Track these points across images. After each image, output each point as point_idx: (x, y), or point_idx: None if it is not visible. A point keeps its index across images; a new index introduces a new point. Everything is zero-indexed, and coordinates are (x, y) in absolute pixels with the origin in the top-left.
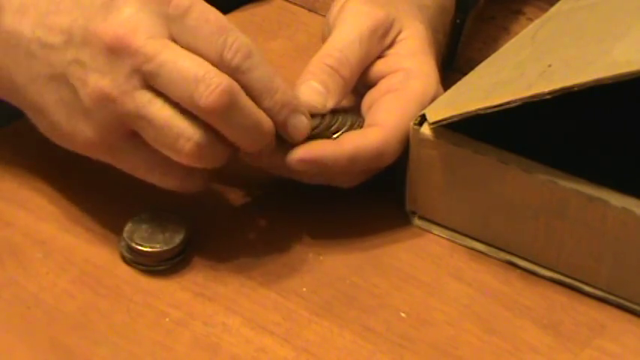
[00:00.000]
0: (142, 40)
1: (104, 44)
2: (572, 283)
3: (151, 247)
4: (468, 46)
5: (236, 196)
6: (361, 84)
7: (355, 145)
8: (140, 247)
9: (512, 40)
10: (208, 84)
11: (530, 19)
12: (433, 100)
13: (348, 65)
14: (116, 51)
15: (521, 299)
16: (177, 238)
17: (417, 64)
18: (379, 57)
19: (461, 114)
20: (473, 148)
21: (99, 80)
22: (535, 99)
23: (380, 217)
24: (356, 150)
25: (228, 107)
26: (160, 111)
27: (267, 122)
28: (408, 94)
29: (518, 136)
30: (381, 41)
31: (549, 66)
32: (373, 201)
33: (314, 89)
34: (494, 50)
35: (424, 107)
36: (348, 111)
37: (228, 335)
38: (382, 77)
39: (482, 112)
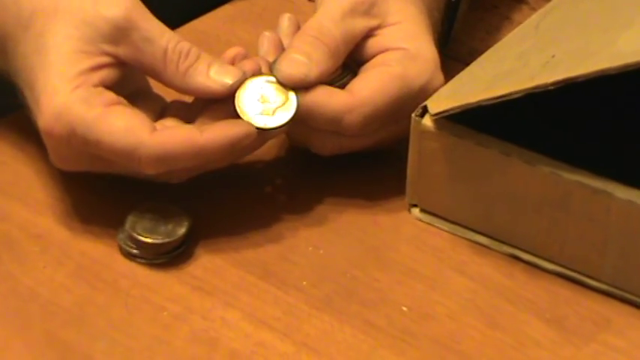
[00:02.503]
0: (76, 130)
1: (47, 135)
2: (576, 276)
3: (153, 239)
4: (470, 35)
5: (237, 190)
6: (355, 63)
7: (315, 100)
8: (143, 239)
9: (515, 30)
10: (138, 160)
11: (534, 9)
12: (428, 85)
13: (330, 35)
14: (57, 139)
15: (525, 293)
16: (180, 231)
17: (416, 46)
18: (371, 35)
19: (463, 105)
20: (475, 139)
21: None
22: (538, 90)
23: (381, 210)
24: (314, 105)
25: (166, 169)
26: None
27: (205, 141)
28: (396, 72)
29: (520, 126)
30: (365, 16)
31: (553, 56)
32: (374, 193)
33: (294, 61)
34: (496, 40)
35: (412, 91)
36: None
37: (227, 330)
38: (378, 53)
39: (484, 103)
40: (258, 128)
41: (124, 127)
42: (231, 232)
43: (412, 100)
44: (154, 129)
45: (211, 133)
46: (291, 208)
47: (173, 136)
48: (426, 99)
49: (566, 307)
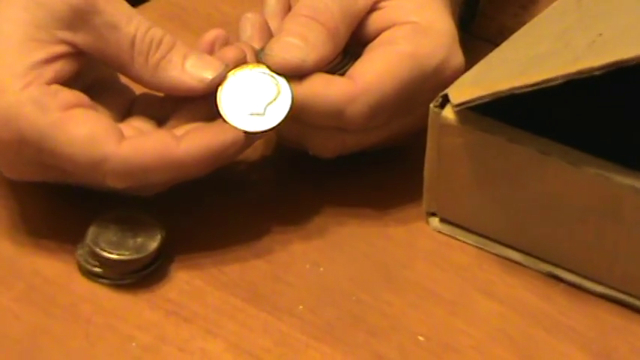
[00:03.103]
0: (27, 137)
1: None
2: (628, 300)
3: (120, 255)
4: (500, 10)
5: (219, 196)
6: (358, 43)
7: (312, 91)
8: (107, 254)
9: (555, 4)
10: (104, 174)
11: None
12: (444, 64)
13: (327, 14)
14: (4, 146)
15: (566, 320)
16: (152, 245)
17: (428, 18)
18: (374, 9)
19: (492, 94)
20: (507, 135)
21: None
22: (582, 75)
23: (392, 220)
24: (310, 96)
25: (137, 183)
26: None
27: (183, 153)
28: (405, 50)
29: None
30: None
31: (600, 35)
32: (383, 200)
33: (288, 44)
34: (532, 16)
35: (425, 72)
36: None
37: None
38: (384, 30)
39: (517, 91)
40: (246, 133)
41: (85, 135)
42: (212, 246)
43: (426, 84)
44: (122, 137)
45: (190, 143)
46: (285, 218)
47: (145, 147)
48: (442, 82)
49: (615, 338)
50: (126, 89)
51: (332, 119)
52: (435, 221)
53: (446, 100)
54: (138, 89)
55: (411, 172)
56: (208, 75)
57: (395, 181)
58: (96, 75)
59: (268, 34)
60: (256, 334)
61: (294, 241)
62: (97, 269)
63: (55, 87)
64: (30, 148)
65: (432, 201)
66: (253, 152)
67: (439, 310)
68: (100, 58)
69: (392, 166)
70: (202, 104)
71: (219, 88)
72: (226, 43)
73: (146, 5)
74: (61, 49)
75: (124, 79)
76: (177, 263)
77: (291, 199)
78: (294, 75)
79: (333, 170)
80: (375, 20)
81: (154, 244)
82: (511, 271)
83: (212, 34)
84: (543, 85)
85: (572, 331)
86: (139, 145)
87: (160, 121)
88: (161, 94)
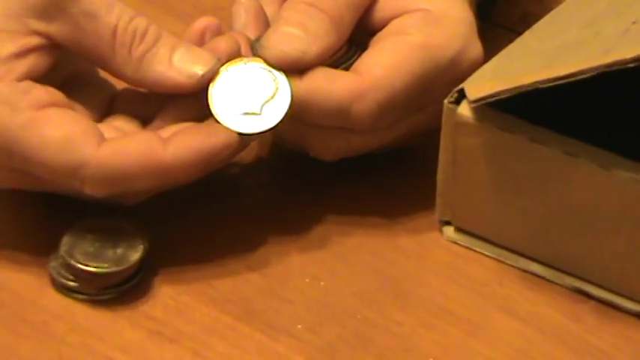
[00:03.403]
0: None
1: None
2: None
3: (98, 267)
4: None
5: (209, 202)
6: (364, 32)
7: (314, 87)
8: (83, 267)
9: None
10: (82, 181)
11: None
12: (461, 56)
13: (330, 0)
14: None
15: (595, 341)
16: (134, 256)
17: (441, 5)
18: None
19: (514, 88)
20: (530, 134)
21: None
22: (614, 68)
23: (402, 230)
24: (313, 93)
25: (118, 191)
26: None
27: (170, 158)
28: (416, 41)
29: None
30: None
31: (634, 23)
32: (392, 208)
33: (287, 35)
34: (558, 2)
35: (439, 65)
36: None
37: None
38: (392, 19)
39: (542, 85)
40: (241, 134)
41: (61, 138)
42: (201, 257)
43: (440, 79)
44: (101, 139)
45: (178, 146)
46: (282, 227)
47: (127, 151)
48: (458, 76)
49: None
50: (106, 85)
51: (336, 118)
52: (449, 231)
53: (462, 95)
54: (119, 85)
55: (423, 176)
56: (198, 70)
57: (405, 186)
58: (72, 70)
59: (264, 22)
60: (250, 356)
61: (292, 253)
62: (71, 283)
63: (27, 84)
64: None
65: (445, 208)
66: (248, 154)
67: (455, 330)
68: (78, 50)
69: (401, 169)
70: (192, 102)
71: (211, 85)
72: (218, 32)
73: None
74: (34, 41)
75: (103, 74)
76: (162, 277)
77: (289, 205)
78: (293, 69)
79: (336, 174)
80: (383, 7)
81: (135, 255)
82: (534, 287)
83: (202, 23)
84: (571, 79)
85: (601, 354)
86: (121, 148)
87: (144, 120)
88: (145, 91)
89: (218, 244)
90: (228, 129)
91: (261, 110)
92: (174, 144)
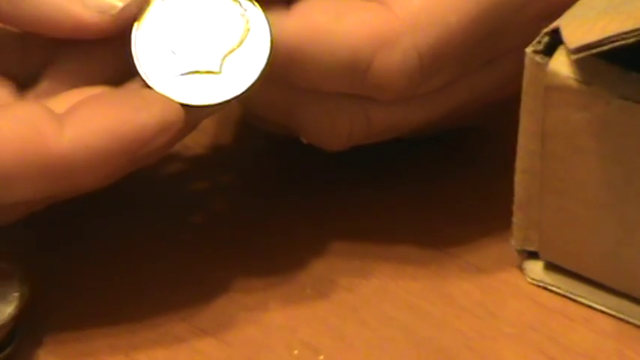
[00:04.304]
0: None
1: None
2: None
3: None
4: None
5: (135, 223)
6: None
7: (310, 26)
8: None
9: None
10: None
11: None
12: None
13: None
14: None
15: None
16: (5, 311)
17: None
18: None
19: None
20: None
21: None
22: None
23: (453, 265)
24: (309, 36)
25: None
26: None
27: (68, 148)
28: None
29: None
30: None
31: None
32: (436, 228)
33: None
34: None
35: None
36: None
37: None
38: None
39: None
40: (186, 106)
41: None
42: (116, 313)
43: (521, 10)
44: None
45: (81, 129)
46: (255, 261)
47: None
48: (548, 8)
49: None
50: None
51: (347, 79)
52: (534, 267)
53: (556, 40)
54: None
55: (490, 178)
56: (116, 1)
57: (460, 195)
58: None
59: None
60: None
61: (272, 305)
62: None
63: None
64: None
65: (528, 231)
66: (199, 139)
67: None
68: None
69: (455, 166)
70: (104, 54)
71: (136, 25)
72: None
73: None
74: None
75: None
76: (49, 346)
77: (268, 225)
78: None
79: (345, 174)
80: None
81: (8, 310)
82: None
83: None
84: None
85: None
86: None
87: (23, 83)
88: (24, 33)
89: (146, 290)
90: (164, 98)
91: (220, 67)
92: (74, 124)
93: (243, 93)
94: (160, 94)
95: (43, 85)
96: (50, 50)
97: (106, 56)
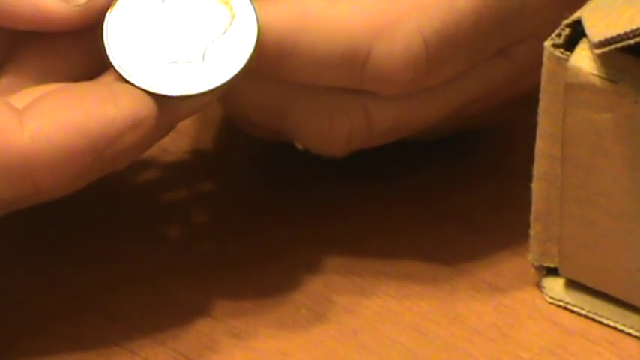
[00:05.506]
0: None
1: None
2: None
3: None
4: None
5: (108, 237)
6: None
7: (302, 12)
8: None
9: None
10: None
11: None
12: None
13: None
14: None
15: None
16: None
17: None
18: None
19: None
20: None
21: None
22: None
23: (467, 283)
24: (299, 23)
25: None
26: None
27: (33, 148)
28: None
29: None
30: None
31: None
32: (448, 241)
33: None
34: None
35: None
36: None
37: None
38: None
39: None
40: (161, 97)
41: None
42: (90, 333)
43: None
44: None
45: (45, 125)
46: (245, 281)
47: None
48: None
49: None
50: None
51: (344, 72)
52: (554, 285)
53: (577, 32)
54: None
55: (505, 186)
56: None
57: (471, 205)
58: None
59: None
60: None
61: (263, 329)
62: None
63: None
64: None
65: (547, 245)
66: (179, 142)
67: None
68: None
69: (461, 172)
70: (72, 50)
71: (108, 15)
72: None
73: None
74: None
75: None
76: None
77: (256, 241)
78: None
79: (345, 183)
80: None
81: None
82: None
83: None
84: None
85: None
86: None
87: None
88: None
89: (122, 312)
90: (135, 90)
91: (202, 56)
92: (35, 118)
93: (226, 83)
94: (130, 87)
95: (3, 81)
96: (12, 44)
97: (75, 52)
